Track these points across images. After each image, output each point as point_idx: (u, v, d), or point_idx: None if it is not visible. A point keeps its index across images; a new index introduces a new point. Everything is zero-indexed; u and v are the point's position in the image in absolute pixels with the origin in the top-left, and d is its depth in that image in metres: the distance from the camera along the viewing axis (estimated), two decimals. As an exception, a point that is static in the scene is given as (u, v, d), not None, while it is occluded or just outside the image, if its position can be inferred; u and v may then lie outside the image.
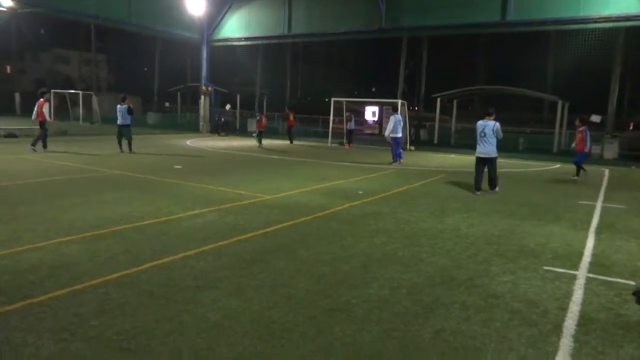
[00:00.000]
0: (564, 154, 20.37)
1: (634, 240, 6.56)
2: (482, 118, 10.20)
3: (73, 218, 6.59)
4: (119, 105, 15.83)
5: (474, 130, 10.18)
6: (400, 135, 15.49)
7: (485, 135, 9.92)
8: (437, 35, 26.53)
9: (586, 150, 12.41)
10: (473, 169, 10.35)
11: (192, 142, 21.54)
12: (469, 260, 5.43)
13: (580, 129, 12.50)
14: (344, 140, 22.08)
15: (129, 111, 15.67)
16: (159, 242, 5.62)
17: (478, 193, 10.02)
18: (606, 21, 18.69)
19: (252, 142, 21.43)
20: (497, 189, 10.18)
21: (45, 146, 14.87)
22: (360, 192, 9.67)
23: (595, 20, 18.78)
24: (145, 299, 3.98)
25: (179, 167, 12.73)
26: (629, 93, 29.40)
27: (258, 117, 21.39)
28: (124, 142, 15.81)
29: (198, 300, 4.01)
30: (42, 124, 14.81)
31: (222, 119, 27.90)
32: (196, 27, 27.69)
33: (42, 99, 14.83)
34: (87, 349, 3.16)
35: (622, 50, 25.47)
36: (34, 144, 14.73)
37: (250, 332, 3.49)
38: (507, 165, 15.88)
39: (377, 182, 11.45)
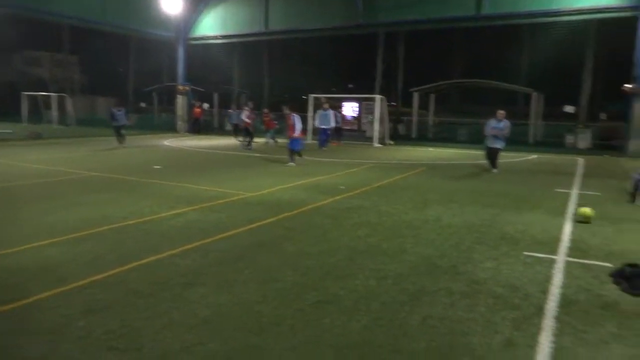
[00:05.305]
0: (539, 145, 20.80)
1: (609, 225, 6.76)
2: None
3: (54, 221, 6.49)
4: (116, 110, 18.24)
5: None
6: (324, 126, 18.84)
7: None
8: (413, 30, 26.72)
9: (295, 134, 13.38)
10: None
11: (170, 142, 21.32)
12: (452, 249, 5.54)
13: (289, 115, 13.61)
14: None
15: (126, 114, 19.13)
16: (143, 242, 5.59)
17: None
18: (578, 13, 19.03)
19: (229, 141, 21.25)
20: None
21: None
22: (342, 187, 9.73)
23: (567, 13, 19.10)
24: (132, 298, 3.97)
25: (159, 167, 12.59)
26: (602, 84, 30.01)
27: (266, 118, 21.03)
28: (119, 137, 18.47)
29: (186, 297, 4.01)
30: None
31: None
32: (172, 26, 27.34)
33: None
34: (76, 349, 3.15)
35: (595, 42, 26.11)
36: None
37: (240, 326, 3.51)
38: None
39: (358, 176, 11.53)
